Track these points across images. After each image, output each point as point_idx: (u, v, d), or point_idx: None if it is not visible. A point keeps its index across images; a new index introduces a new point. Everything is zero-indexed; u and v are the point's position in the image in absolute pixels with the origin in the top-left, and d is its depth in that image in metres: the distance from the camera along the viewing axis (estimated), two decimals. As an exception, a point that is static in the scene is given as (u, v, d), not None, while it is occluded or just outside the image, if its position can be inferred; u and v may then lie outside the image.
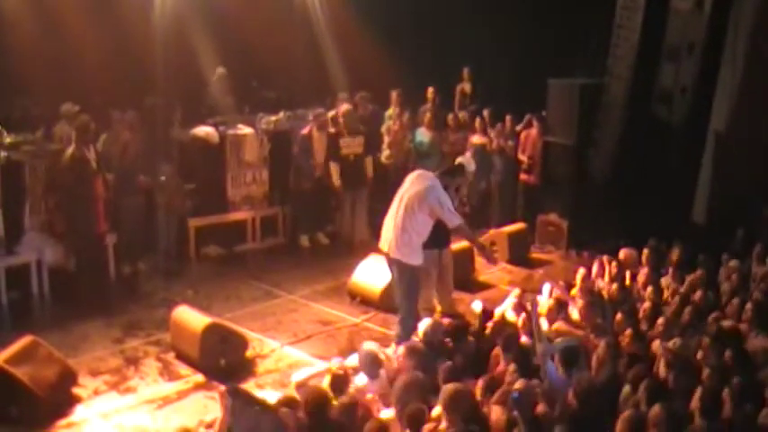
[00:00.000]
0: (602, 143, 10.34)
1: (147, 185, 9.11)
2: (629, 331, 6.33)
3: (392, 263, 7.06)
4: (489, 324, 6.77)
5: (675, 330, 6.44)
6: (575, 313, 7.18)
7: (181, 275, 9.31)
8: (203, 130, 10.01)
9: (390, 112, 11.54)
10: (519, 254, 10.18)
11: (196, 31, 10.58)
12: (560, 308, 7.15)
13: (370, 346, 6.19)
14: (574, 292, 7.69)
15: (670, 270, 8.19)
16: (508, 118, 11.26)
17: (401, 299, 7.12)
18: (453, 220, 6.87)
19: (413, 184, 7.02)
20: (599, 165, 10.41)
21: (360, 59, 11.36)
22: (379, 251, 7.44)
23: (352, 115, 10.43)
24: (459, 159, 7.87)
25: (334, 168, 10.26)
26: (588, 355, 5.91)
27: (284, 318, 8.16)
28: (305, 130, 10.25)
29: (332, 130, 10.38)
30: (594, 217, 10.09)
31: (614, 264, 8.32)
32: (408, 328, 6.84)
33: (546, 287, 7.72)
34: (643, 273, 8.07)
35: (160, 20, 9.97)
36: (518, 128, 11.25)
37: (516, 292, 7.54)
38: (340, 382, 5.65)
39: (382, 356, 6.09)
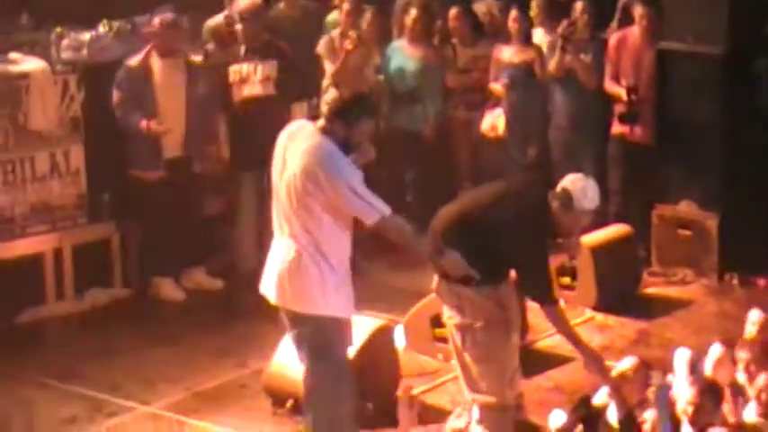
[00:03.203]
0: None
1: None
2: None
3: (291, 320, 7.47)
4: None
5: None
6: (750, 409, 7.34)
7: None
8: None
9: (335, 15, 12.03)
10: (619, 288, 10.57)
11: None
12: (716, 399, 7.24)
13: None
14: (741, 362, 7.85)
15: None
16: (580, 5, 11.39)
17: (312, 402, 7.53)
18: (371, 213, 7.17)
19: (294, 153, 7.30)
20: None
21: None
22: None
23: (257, 18, 10.79)
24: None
25: (222, 130, 10.76)
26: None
27: None
28: (133, 60, 10.70)
29: (205, 50, 11.06)
30: None
31: None
32: None
33: (681, 355, 7.87)
34: None
35: None
36: (605, 32, 11.50)
37: (631, 363, 7.64)
38: None
39: None
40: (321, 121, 7.33)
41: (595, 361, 7.66)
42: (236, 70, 10.64)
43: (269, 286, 7.42)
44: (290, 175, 7.20)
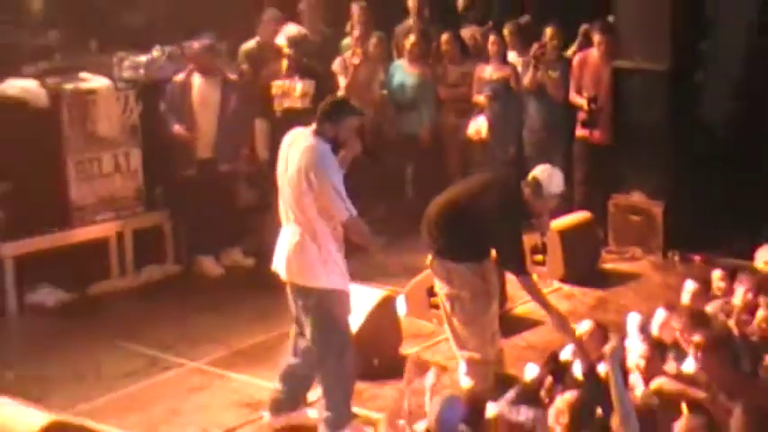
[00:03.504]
0: (718, 64, 10.62)
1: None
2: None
3: (294, 293, 7.46)
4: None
5: None
6: (688, 363, 7.28)
7: None
8: (18, 86, 10.02)
9: (348, 40, 11.88)
10: (582, 264, 10.52)
11: None
12: (662, 354, 7.30)
13: None
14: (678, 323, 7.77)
15: None
16: (549, 32, 11.36)
17: (318, 353, 7.47)
18: (343, 211, 7.23)
19: (294, 153, 7.36)
20: (715, 103, 10.70)
21: None
22: None
23: (302, 44, 10.71)
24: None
25: (261, 132, 10.63)
26: (717, 428, 6.07)
27: (183, 404, 8.19)
28: (178, 77, 10.64)
29: (239, 70, 10.94)
30: (710, 195, 10.40)
31: (747, 273, 8.44)
32: (341, 412, 7.42)
33: (632, 319, 7.89)
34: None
35: None
36: (569, 51, 11.58)
37: (585, 328, 7.63)
38: None
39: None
40: (314, 125, 7.32)
41: (562, 323, 7.76)
42: (278, 85, 10.47)
43: (280, 264, 7.45)
44: (292, 173, 7.25)
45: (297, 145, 7.34)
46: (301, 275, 7.31)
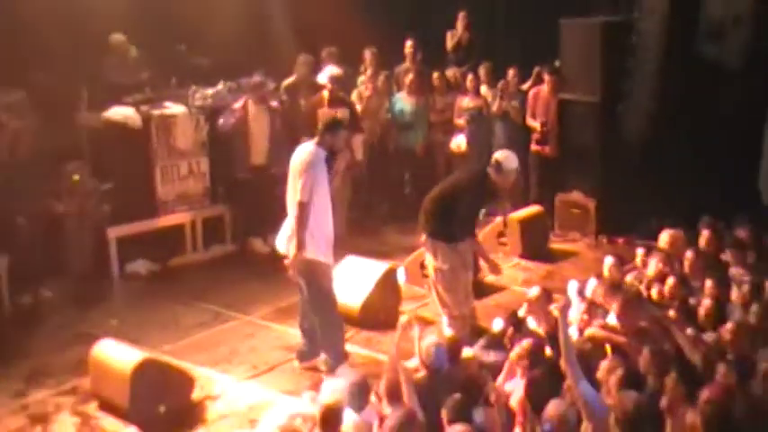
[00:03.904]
0: (635, 97, 10.45)
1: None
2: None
3: (291, 264, 7.40)
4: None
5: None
6: (611, 317, 7.18)
7: (100, 302, 9.31)
8: (120, 113, 10.00)
9: (363, 77, 11.75)
10: (535, 245, 10.35)
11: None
12: (594, 311, 7.24)
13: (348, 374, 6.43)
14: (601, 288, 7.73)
15: (730, 255, 8.21)
16: (511, 72, 11.42)
17: (314, 313, 7.53)
18: (303, 196, 7.21)
19: (295, 159, 7.45)
20: (633, 126, 10.52)
21: (316, 8, 11.43)
22: (357, 251, 8.06)
23: (340, 81, 10.63)
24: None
25: (357, 142, 10.63)
26: (631, 368, 5.93)
27: (239, 346, 8.19)
28: (237, 104, 10.49)
29: (281, 99, 10.75)
30: (629, 193, 10.21)
31: (656, 251, 8.38)
32: (336, 352, 7.45)
33: (572, 286, 7.82)
34: (694, 260, 8.01)
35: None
36: (525, 86, 11.46)
37: (535, 292, 7.52)
38: (333, 417, 5.76)
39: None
40: (317, 138, 7.35)
41: (495, 269, 8.15)
42: (323, 112, 10.17)
43: (281, 243, 7.47)
44: (291, 177, 7.33)
45: (299, 152, 7.39)
46: (291, 248, 7.29)
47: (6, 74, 9.31)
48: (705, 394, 5.10)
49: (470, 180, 7.98)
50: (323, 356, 7.49)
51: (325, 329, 7.49)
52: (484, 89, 11.62)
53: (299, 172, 7.23)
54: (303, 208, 7.17)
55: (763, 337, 6.38)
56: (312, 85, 10.77)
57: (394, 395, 6.05)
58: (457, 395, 5.81)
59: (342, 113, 10.30)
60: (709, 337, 6.62)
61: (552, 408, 5.21)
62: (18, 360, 7.98)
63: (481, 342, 7.29)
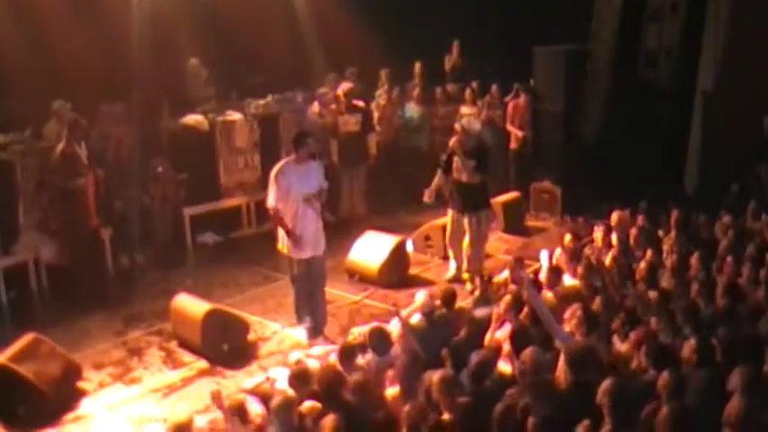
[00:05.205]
0: (590, 109, 10.42)
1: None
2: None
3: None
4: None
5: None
6: (568, 279, 7.26)
7: (178, 265, 9.33)
8: (193, 119, 10.01)
9: (380, 90, 11.61)
10: (514, 223, 10.25)
11: (179, 20, 10.40)
12: (557, 274, 7.21)
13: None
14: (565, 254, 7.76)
15: (664, 231, 8.24)
16: (494, 87, 11.41)
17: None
18: (269, 200, 7.04)
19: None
20: (588, 130, 10.49)
21: (343, 38, 11.27)
22: (375, 227, 7.94)
23: (353, 93, 10.49)
24: (462, 123, 8.30)
25: (333, 146, 10.41)
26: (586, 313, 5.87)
27: (284, 300, 8.08)
28: (314, 109, 10.49)
29: (333, 107, 10.56)
30: (587, 182, 10.12)
31: (606, 226, 8.38)
32: (318, 322, 7.30)
33: (543, 255, 7.78)
34: (636, 234, 8.06)
35: (139, 11, 9.94)
36: (506, 99, 11.34)
37: (513, 260, 7.60)
38: (349, 352, 5.76)
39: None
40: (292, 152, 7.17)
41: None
42: (342, 118, 10.35)
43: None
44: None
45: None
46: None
47: (110, 91, 9.36)
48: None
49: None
50: (309, 323, 7.27)
51: (315, 306, 7.33)
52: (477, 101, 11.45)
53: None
54: (271, 210, 7.06)
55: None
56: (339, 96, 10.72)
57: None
58: (459, 337, 5.83)
59: (355, 118, 10.35)
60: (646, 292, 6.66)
61: (527, 353, 5.10)
62: (118, 307, 8.13)
63: (470, 300, 7.33)
